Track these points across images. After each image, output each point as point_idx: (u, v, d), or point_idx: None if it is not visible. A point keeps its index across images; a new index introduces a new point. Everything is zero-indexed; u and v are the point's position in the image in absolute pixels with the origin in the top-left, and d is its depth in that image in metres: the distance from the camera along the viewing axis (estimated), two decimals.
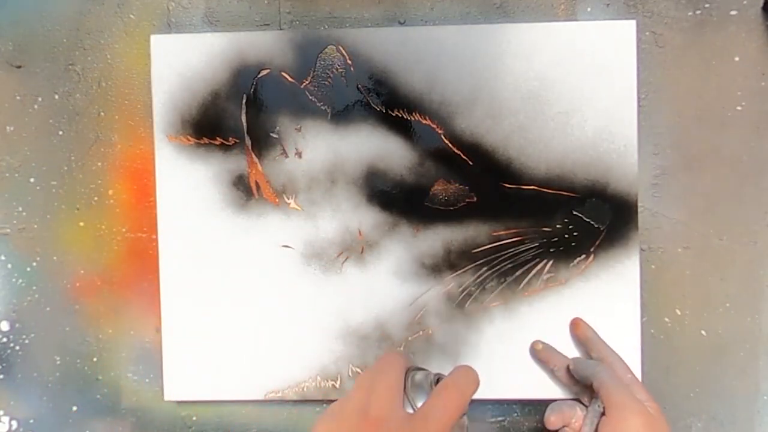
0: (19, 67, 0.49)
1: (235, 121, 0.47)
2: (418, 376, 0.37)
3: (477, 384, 0.36)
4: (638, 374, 0.46)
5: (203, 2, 0.49)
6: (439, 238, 0.47)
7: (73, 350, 0.49)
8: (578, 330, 0.46)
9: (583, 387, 0.44)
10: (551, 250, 0.46)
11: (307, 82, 0.47)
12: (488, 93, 0.46)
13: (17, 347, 0.50)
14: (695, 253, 0.47)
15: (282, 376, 0.48)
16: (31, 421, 0.50)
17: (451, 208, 0.47)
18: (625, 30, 0.46)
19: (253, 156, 0.47)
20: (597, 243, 0.46)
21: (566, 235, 0.46)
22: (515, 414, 0.48)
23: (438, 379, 0.37)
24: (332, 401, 0.48)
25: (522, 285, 0.46)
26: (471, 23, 0.48)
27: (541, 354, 0.46)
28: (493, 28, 0.46)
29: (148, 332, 0.49)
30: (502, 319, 0.47)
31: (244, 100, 0.47)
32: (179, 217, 0.48)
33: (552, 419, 0.43)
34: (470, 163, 0.46)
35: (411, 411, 0.34)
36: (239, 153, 0.48)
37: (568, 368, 0.45)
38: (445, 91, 0.46)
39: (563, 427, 0.43)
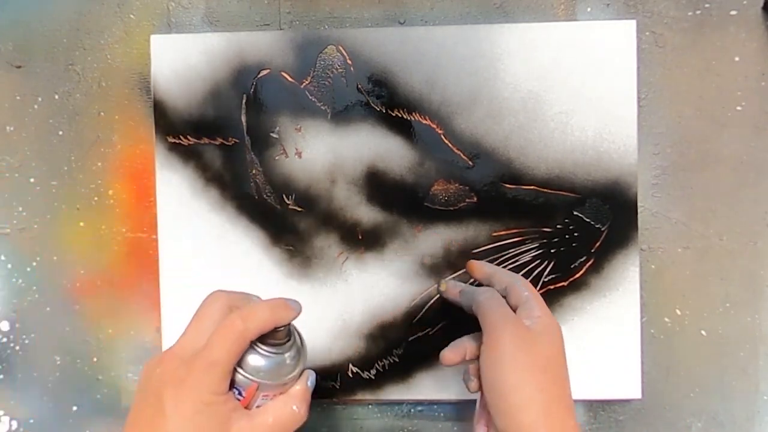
0: (19, 67, 0.49)
1: (235, 121, 0.47)
2: None
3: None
4: (638, 374, 0.46)
5: (203, 2, 0.49)
6: (439, 238, 0.47)
7: (73, 350, 0.49)
8: (476, 273, 0.44)
9: None
10: (552, 250, 0.46)
11: (307, 82, 0.47)
12: (488, 93, 0.46)
13: (17, 347, 0.50)
14: (695, 253, 0.47)
15: None
16: (31, 421, 0.50)
17: (451, 208, 0.47)
18: (625, 30, 0.46)
19: (253, 156, 0.47)
20: (597, 243, 0.46)
21: (567, 236, 0.46)
22: None
23: None
24: (333, 401, 0.48)
25: None
26: (471, 23, 0.48)
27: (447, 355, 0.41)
28: (493, 28, 0.46)
29: (148, 332, 0.49)
30: None
31: (244, 100, 0.47)
32: (179, 217, 0.48)
33: (448, 355, 0.40)
34: (470, 163, 0.46)
35: None
36: (239, 153, 0.47)
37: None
38: (445, 91, 0.46)
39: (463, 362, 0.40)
